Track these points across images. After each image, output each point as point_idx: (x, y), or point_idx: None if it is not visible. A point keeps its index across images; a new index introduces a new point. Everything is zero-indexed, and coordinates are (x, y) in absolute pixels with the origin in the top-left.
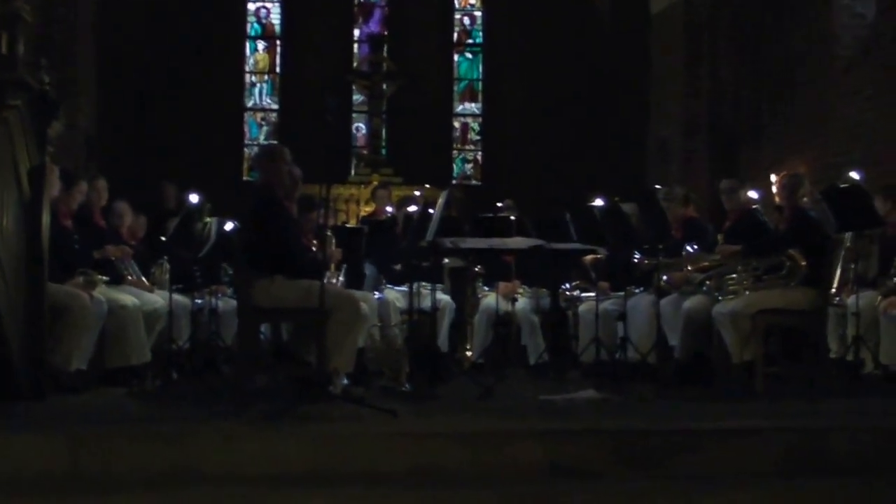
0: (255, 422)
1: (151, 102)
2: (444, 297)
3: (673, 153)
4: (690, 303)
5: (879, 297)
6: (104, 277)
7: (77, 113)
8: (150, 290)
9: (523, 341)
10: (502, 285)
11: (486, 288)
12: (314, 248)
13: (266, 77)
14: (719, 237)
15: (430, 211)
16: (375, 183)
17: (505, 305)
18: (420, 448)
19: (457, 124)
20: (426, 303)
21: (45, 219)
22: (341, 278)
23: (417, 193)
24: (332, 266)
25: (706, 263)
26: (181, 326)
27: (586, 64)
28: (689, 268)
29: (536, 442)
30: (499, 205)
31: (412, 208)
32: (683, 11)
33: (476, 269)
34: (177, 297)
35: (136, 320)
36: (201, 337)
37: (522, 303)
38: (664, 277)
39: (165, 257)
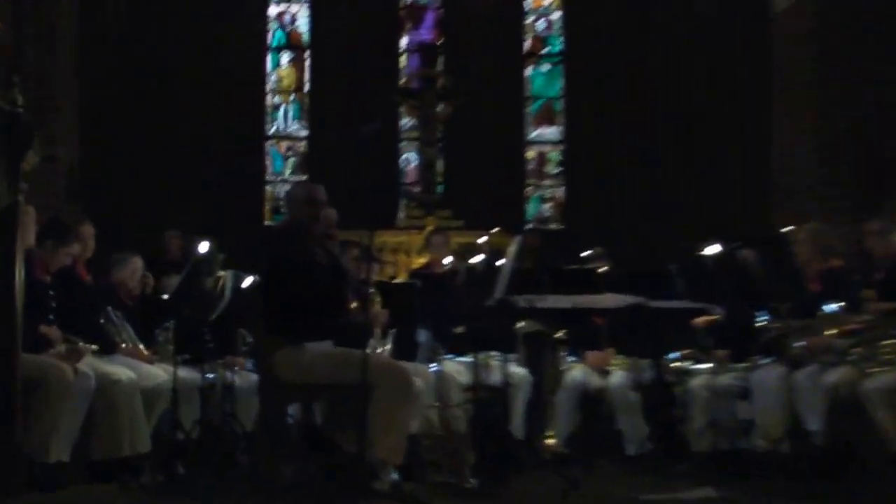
0: None
1: (148, 131)
2: (518, 370)
3: (805, 187)
4: (833, 376)
5: None
6: (92, 346)
7: (55, 143)
8: (150, 362)
9: (619, 425)
10: (591, 355)
11: (571, 358)
12: (354, 309)
13: (292, 97)
14: (868, 292)
15: (499, 262)
16: (430, 228)
17: (596, 380)
18: None
19: (531, 154)
20: (495, 377)
21: (19, 273)
22: (388, 346)
23: (482, 241)
24: (378, 331)
25: (852, 326)
26: (188, 407)
27: (691, 73)
28: (831, 332)
29: None
30: (586, 254)
31: (476, 259)
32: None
33: (558, 335)
34: (183, 370)
35: (131, 399)
36: (214, 420)
37: (617, 377)
38: (798, 344)
39: (169, 321)
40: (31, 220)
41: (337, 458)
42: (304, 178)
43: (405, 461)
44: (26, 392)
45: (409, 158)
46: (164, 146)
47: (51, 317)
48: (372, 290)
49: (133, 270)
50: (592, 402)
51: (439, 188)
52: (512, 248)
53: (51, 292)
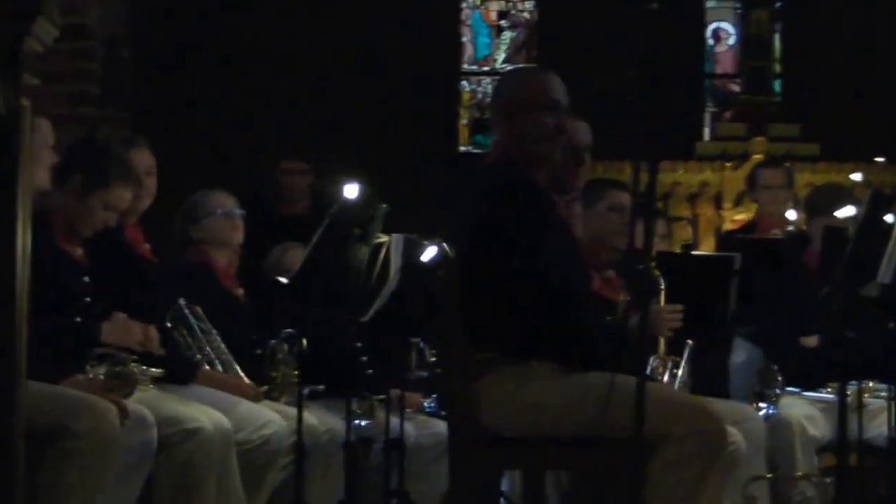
0: None
1: None
2: None
3: None
4: None
5: None
6: (153, 370)
7: (88, 4)
8: (257, 399)
9: None
10: None
11: None
12: (620, 302)
13: None
14: None
15: (888, 219)
16: (758, 157)
17: None
18: None
19: None
20: (878, 428)
21: (23, 240)
22: (680, 371)
23: (855, 179)
24: (662, 343)
25: None
26: (325, 478)
27: None
28: None
29: None
30: None
31: (845, 212)
32: None
33: None
34: (314, 413)
35: (222, 463)
36: (367, 501)
37: None
38: None
39: (289, 325)
40: (45, 142)
41: None
42: (530, 67)
43: None
44: (37, 450)
45: (723, 31)
46: (280, 8)
47: (78, 319)
48: (653, 268)
49: (227, 223)
50: None
51: (776, 85)
52: None
53: (85, 278)
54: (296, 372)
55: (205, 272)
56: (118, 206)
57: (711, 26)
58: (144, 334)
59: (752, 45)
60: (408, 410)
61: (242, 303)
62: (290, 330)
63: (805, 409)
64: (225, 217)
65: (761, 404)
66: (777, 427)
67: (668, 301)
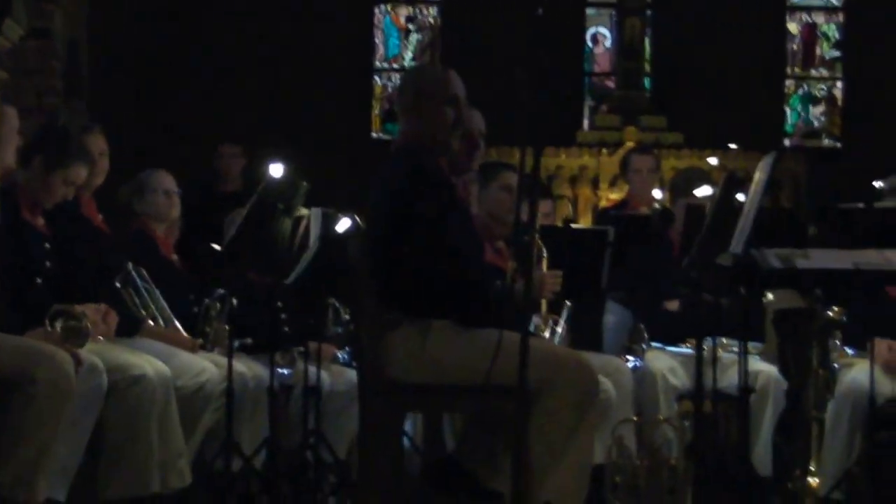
0: None
1: None
2: (765, 369)
3: None
4: None
5: None
6: (102, 323)
7: (52, 9)
8: (193, 350)
9: None
10: (884, 347)
11: (850, 351)
12: (508, 269)
13: None
14: None
15: (739, 198)
16: (629, 145)
17: (889, 387)
18: None
19: (793, 28)
20: (728, 379)
21: None
22: (559, 329)
23: (712, 164)
24: (543, 304)
25: None
26: (251, 421)
27: None
28: None
29: None
30: (880, 185)
31: (701, 193)
32: None
33: (831, 315)
34: (242, 363)
35: (162, 406)
36: (288, 441)
37: None
38: None
39: (222, 286)
40: (12, 127)
41: (478, 501)
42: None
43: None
44: (1, 395)
45: (600, 35)
46: (216, 11)
47: (39, 280)
48: (536, 238)
49: (166, 200)
50: (883, 422)
51: (646, 83)
52: (759, 177)
53: (46, 245)
54: (227, 327)
55: (147, 241)
56: (76, 182)
57: (590, 31)
58: (104, 320)
59: (625, 48)
60: (324, 361)
61: (179, 267)
62: (222, 291)
63: (667, 362)
64: (164, 194)
65: (629, 358)
66: (643, 377)
67: (549, 268)
